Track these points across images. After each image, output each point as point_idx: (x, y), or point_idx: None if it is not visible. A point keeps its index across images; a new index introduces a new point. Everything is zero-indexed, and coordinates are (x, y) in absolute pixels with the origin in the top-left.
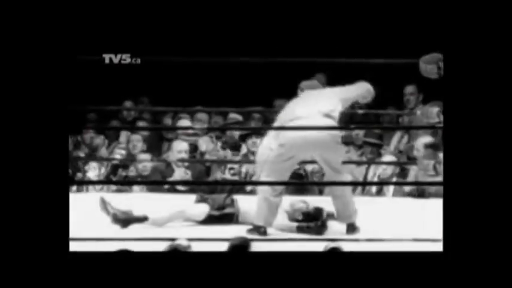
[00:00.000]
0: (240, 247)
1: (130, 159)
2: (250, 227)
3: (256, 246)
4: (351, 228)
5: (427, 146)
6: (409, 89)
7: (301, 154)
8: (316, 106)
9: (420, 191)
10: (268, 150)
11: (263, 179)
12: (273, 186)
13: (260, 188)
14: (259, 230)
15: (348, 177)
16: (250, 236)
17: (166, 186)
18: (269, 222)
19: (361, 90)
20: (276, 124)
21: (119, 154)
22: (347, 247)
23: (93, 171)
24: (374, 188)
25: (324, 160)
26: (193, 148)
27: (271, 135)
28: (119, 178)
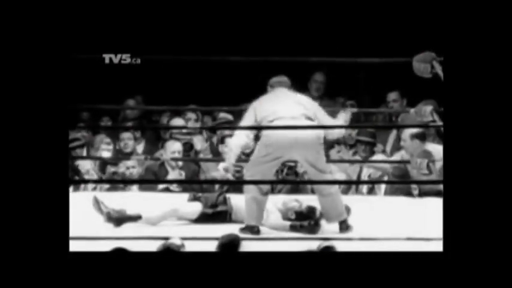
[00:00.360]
0: (230, 245)
1: (119, 157)
2: (242, 225)
3: (249, 246)
4: (344, 225)
5: (414, 136)
6: (392, 95)
7: (287, 155)
8: (299, 108)
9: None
10: (246, 137)
11: (248, 179)
12: (260, 186)
13: (246, 188)
14: (253, 230)
15: (332, 176)
16: (243, 235)
17: (160, 187)
18: (260, 221)
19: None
20: (251, 122)
21: (106, 150)
22: (340, 246)
23: (90, 176)
24: (365, 187)
25: (309, 161)
26: (189, 147)
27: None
28: (108, 175)
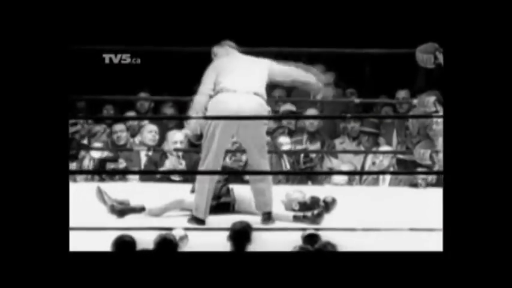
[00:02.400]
0: (242, 232)
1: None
2: (189, 215)
3: (253, 235)
4: (267, 216)
5: None
6: (401, 93)
7: (229, 132)
8: (250, 81)
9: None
10: (208, 95)
11: (205, 166)
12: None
13: (198, 178)
14: (199, 221)
15: (268, 164)
16: (191, 226)
17: (158, 176)
18: (207, 215)
19: (299, 73)
20: (212, 82)
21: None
22: (343, 237)
23: (97, 152)
24: (369, 178)
25: (249, 140)
26: (200, 136)
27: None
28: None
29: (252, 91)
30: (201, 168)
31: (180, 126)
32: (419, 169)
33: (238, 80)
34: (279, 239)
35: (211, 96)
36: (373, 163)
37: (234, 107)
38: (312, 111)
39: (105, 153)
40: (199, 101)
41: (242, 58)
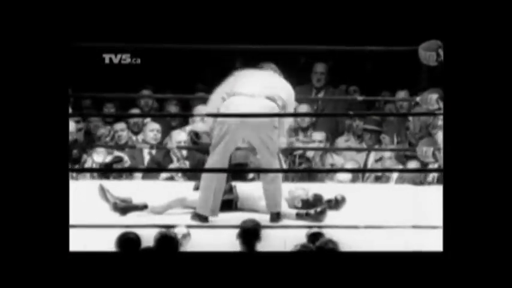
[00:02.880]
0: (252, 230)
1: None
2: (192, 212)
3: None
4: (275, 216)
5: None
6: (401, 94)
7: (239, 134)
8: (263, 86)
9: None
10: (221, 99)
11: (210, 165)
12: (217, 174)
13: (204, 176)
14: (202, 218)
15: (279, 163)
16: (193, 223)
17: (163, 176)
18: (215, 213)
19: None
20: (227, 88)
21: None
22: (346, 234)
23: (99, 156)
24: (372, 176)
25: (261, 142)
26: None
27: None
28: (116, 173)
29: (263, 95)
30: (206, 166)
31: (184, 124)
32: (413, 162)
33: (250, 85)
34: (280, 236)
35: (224, 100)
36: (376, 161)
37: (244, 110)
38: (303, 108)
39: (109, 157)
40: (213, 100)
41: (266, 71)
